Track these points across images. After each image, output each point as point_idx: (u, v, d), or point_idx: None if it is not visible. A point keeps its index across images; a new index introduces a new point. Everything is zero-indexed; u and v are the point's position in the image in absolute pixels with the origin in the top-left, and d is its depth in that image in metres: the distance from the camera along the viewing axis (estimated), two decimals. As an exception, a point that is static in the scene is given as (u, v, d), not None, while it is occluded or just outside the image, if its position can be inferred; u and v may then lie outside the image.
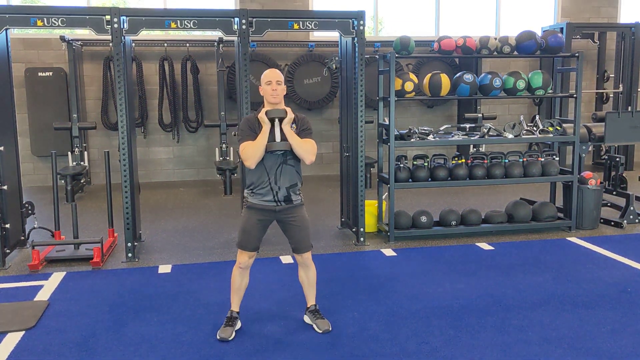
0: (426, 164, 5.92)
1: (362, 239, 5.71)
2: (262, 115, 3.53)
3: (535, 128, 6.09)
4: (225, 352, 3.47)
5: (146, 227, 6.39)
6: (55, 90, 8.96)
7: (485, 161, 6.01)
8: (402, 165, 5.85)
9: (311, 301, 3.89)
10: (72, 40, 8.51)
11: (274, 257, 5.27)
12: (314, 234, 6.04)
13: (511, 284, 4.57)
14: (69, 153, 8.50)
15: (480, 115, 9.27)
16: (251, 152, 3.51)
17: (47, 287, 4.58)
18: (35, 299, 4.34)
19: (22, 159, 9.09)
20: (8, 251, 5.24)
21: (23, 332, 3.74)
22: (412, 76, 5.78)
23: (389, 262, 5.20)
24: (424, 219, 5.89)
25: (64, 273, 4.93)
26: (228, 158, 8.87)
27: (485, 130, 6.01)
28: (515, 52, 5.90)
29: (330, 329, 3.73)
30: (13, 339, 3.65)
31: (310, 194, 8.09)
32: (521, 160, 6.08)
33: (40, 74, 8.92)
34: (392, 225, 5.76)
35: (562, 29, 9.22)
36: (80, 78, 9.07)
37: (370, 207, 6.02)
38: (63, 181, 7.76)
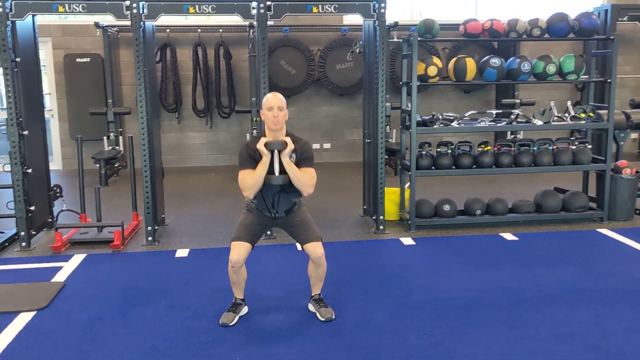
0: (450, 151, 5.75)
1: (381, 227, 5.61)
2: (260, 146, 3.48)
3: (566, 115, 5.83)
4: (224, 338, 3.47)
5: (172, 212, 6.47)
6: (92, 76, 9.13)
7: (513, 148, 5.79)
8: (424, 152, 5.70)
9: (316, 291, 3.84)
10: (107, 26, 8.66)
11: (290, 244, 5.19)
12: (334, 222, 6.02)
13: (530, 276, 4.40)
14: (104, 137, 8.69)
15: (518, 101, 8.91)
16: (250, 183, 3.52)
17: (66, 269, 4.69)
18: (53, 280, 4.45)
19: (62, 142, 9.41)
20: (34, 232, 5.40)
21: (35, 312, 3.84)
22: (436, 60, 5.60)
23: (406, 251, 5.10)
24: (447, 207, 5.75)
25: (85, 255, 5.04)
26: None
27: (513, 117, 5.80)
28: (547, 35, 5.64)
29: (334, 317, 3.68)
30: (24, 319, 3.74)
31: (336, 181, 8.03)
32: (551, 148, 5.83)
33: (78, 60, 9.12)
34: (413, 213, 5.64)
35: (606, 11, 8.78)
36: (117, 64, 9.23)
37: (391, 194, 5.91)
38: (98, 165, 7.96)
